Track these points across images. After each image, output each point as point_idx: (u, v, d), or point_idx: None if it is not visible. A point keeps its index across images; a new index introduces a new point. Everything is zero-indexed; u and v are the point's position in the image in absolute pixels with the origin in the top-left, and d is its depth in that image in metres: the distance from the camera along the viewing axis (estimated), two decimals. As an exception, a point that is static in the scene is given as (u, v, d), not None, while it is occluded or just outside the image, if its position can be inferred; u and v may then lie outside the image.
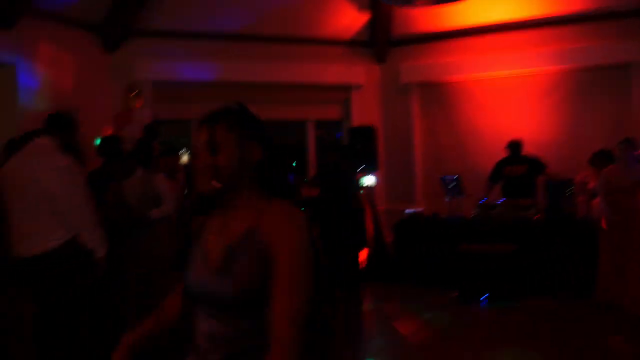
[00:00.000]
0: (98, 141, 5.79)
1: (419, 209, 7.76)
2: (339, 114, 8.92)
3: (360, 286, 6.69)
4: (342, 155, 7.10)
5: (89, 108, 6.54)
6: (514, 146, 7.27)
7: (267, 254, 1.49)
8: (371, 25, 8.49)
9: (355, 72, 8.68)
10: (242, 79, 7.96)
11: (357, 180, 7.23)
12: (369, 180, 7.65)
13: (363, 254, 7.10)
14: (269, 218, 1.53)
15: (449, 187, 7.42)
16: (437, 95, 8.59)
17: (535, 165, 7.13)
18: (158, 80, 7.60)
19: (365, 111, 8.66)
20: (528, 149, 7.28)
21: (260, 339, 1.47)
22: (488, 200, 7.14)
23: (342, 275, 6.46)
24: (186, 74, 7.77)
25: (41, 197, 3.52)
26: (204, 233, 1.65)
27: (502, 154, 7.36)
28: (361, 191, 7.37)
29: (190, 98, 7.90)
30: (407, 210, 7.70)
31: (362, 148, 7.62)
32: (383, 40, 8.66)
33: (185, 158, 7.72)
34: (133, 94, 6.96)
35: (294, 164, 5.87)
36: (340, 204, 6.60)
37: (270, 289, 1.48)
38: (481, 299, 6.20)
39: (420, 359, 4.62)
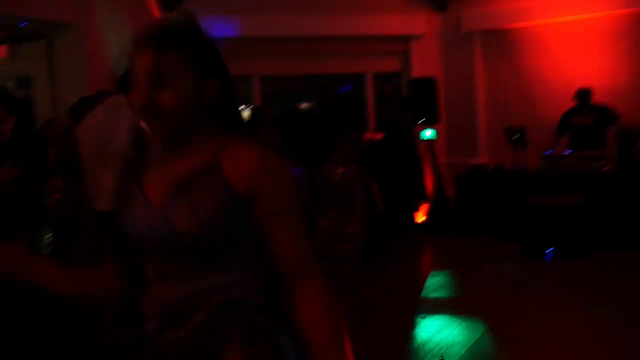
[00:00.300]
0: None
1: (482, 162, 7.61)
2: (398, 66, 8.76)
3: (418, 237, 6.72)
4: (401, 108, 7.03)
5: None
6: (583, 95, 6.97)
7: (235, 192, 1.24)
8: (430, -29, 8.23)
9: (414, 22, 8.45)
10: (299, 33, 7.90)
11: (417, 134, 7.16)
12: (429, 133, 7.54)
13: (423, 209, 7.09)
14: (236, 153, 1.27)
15: (514, 138, 7.23)
16: (501, 43, 8.28)
17: (605, 114, 6.83)
18: (216, 36, 7.63)
19: (425, 62, 8.46)
20: (598, 98, 6.97)
21: (236, 293, 1.27)
22: (554, 152, 6.92)
23: (400, 227, 6.50)
24: (244, 30, 7.76)
25: (119, 153, 3.63)
26: (143, 175, 1.35)
27: (570, 103, 7.08)
28: (421, 144, 7.32)
29: (249, 54, 7.92)
30: (470, 163, 7.57)
31: (422, 100, 7.49)
32: (443, -14, 8.38)
33: (246, 114, 7.80)
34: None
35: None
36: (399, 157, 6.57)
37: (246, 236, 1.27)
38: (546, 252, 6.09)
39: (483, 313, 4.61)
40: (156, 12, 7.38)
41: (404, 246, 6.57)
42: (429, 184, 7.08)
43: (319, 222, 5.71)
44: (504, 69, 8.29)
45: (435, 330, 4.24)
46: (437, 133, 7.71)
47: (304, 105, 8.07)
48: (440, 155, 7.94)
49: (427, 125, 7.55)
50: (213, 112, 1.31)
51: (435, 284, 5.55)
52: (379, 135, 6.51)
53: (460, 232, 7.17)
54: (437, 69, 8.37)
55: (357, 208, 5.76)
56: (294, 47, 8.08)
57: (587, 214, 6.16)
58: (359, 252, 5.79)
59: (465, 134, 8.36)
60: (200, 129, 1.30)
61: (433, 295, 5.16)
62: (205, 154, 1.28)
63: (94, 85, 5.76)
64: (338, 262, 5.66)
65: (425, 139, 7.50)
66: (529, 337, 4.00)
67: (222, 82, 1.33)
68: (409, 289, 5.47)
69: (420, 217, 7.18)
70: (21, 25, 6.11)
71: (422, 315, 4.59)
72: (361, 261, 5.80)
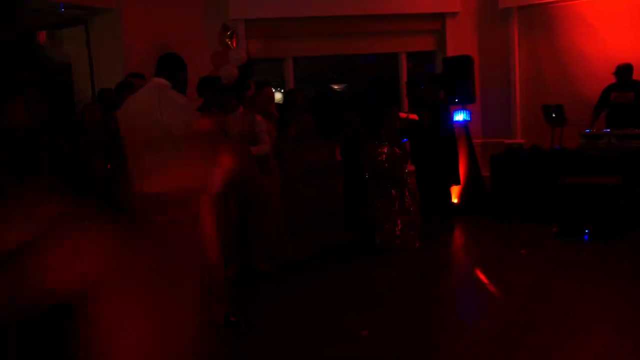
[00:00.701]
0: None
1: (519, 141, 7.48)
2: (433, 44, 8.65)
3: (451, 218, 6.68)
4: (432, 87, 6.94)
5: (186, 48, 6.76)
6: (623, 71, 6.78)
7: (44, 292, 0.78)
8: (466, -54, 8.06)
9: (434, 2, 8.31)
10: (332, 13, 7.87)
11: (452, 113, 7.08)
12: (464, 113, 7.46)
13: (453, 191, 7.02)
14: (68, 237, 0.81)
15: (551, 116, 7.09)
16: (539, 19, 8.09)
17: (647, 91, 6.64)
18: (251, 18, 7.67)
19: (461, 40, 8.32)
20: (640, 75, 6.78)
21: None
22: (594, 131, 6.77)
23: (434, 207, 6.47)
24: (276, 11, 7.76)
25: (163, 136, 3.68)
26: None
27: (610, 81, 6.90)
28: (456, 125, 7.23)
29: (281, 35, 7.94)
30: (506, 143, 7.45)
31: (457, 79, 7.39)
32: (479, -38, 8.21)
33: (278, 96, 7.84)
34: (228, 33, 7.07)
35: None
36: (433, 138, 6.51)
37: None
38: (583, 234, 5.99)
39: (519, 295, 4.59)
40: None
41: (438, 227, 6.54)
42: (462, 165, 7.01)
43: (371, 202, 5.75)
44: (542, 46, 8.11)
45: (470, 311, 4.24)
46: (472, 113, 7.61)
47: (337, 87, 8.06)
48: (476, 135, 7.85)
49: (461, 104, 7.47)
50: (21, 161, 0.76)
51: (470, 265, 5.54)
52: (414, 116, 6.46)
53: (496, 213, 7.10)
54: (473, 46, 8.23)
55: (404, 187, 5.81)
56: (327, 27, 8.05)
57: (626, 195, 6.03)
58: (416, 229, 5.84)
59: (501, 113, 8.24)
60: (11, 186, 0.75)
61: (468, 276, 5.15)
62: (22, 229, 0.80)
63: (130, 68, 5.88)
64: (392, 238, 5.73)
65: (459, 119, 7.42)
66: (565, 318, 3.98)
67: (39, 97, 0.76)
68: (443, 270, 5.47)
69: (453, 199, 7.12)
70: (61, 10, 6.23)
71: (456, 297, 4.59)
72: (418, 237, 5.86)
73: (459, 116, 7.42)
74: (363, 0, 7.93)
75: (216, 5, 7.53)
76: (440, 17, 8.38)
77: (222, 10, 7.49)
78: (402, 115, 6.41)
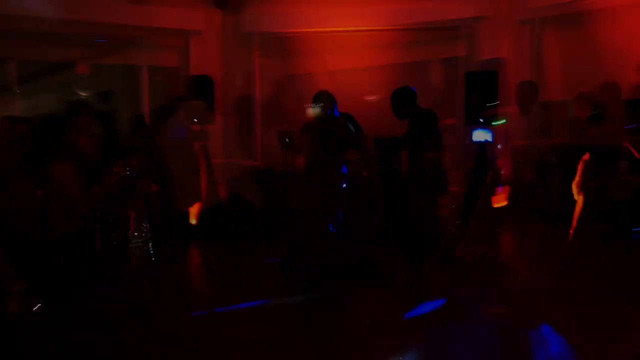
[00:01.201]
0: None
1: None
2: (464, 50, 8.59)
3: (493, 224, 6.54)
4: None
5: (203, 65, 6.79)
6: None
7: None
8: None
9: (465, 7, 8.25)
10: (334, 26, 7.96)
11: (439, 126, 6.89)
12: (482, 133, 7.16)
13: (502, 193, 6.87)
14: None
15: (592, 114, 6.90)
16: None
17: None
18: (266, 32, 7.73)
19: (489, 47, 8.24)
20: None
21: None
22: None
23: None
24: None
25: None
26: None
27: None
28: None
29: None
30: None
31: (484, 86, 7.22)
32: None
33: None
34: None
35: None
36: (421, 147, 6.37)
37: None
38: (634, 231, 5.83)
39: (565, 293, 4.51)
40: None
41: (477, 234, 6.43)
42: (507, 168, 6.85)
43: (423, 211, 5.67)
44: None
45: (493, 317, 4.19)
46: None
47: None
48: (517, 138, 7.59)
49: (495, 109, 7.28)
50: None
51: (513, 268, 5.46)
52: (450, 121, 6.43)
53: (537, 217, 6.92)
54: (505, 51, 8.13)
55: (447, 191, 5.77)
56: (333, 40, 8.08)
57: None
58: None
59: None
60: None
61: (519, 279, 5.09)
62: None
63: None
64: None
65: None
66: (586, 319, 3.94)
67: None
68: (489, 274, 5.40)
69: (501, 202, 6.90)
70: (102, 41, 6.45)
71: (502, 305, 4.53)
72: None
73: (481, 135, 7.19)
74: (368, 12, 7.98)
75: (233, 22, 7.58)
76: (464, 22, 8.31)
77: (238, 26, 7.53)
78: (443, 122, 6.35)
